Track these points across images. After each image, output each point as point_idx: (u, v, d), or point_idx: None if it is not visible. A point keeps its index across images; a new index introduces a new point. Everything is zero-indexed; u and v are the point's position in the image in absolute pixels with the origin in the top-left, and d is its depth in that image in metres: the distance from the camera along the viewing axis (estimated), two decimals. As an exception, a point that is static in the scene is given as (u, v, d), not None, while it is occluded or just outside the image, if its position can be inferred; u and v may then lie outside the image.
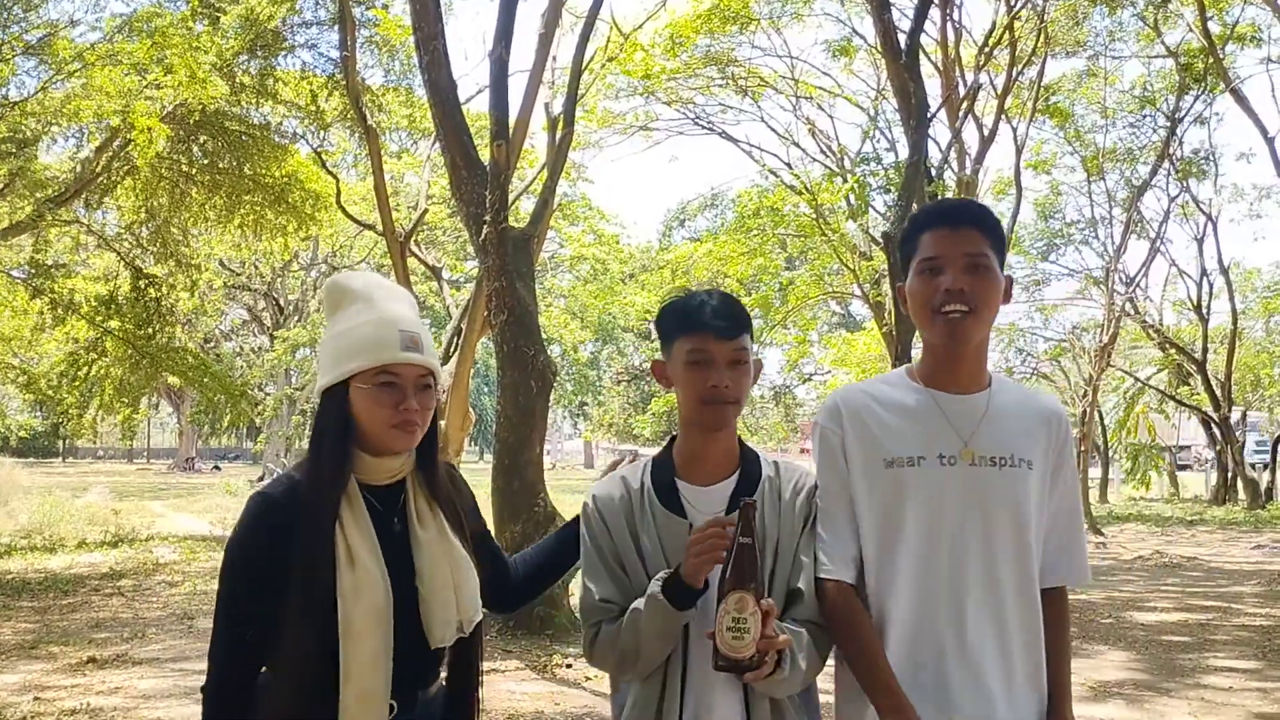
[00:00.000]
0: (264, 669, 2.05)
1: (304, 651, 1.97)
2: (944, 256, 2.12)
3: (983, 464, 2.12)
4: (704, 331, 2.15)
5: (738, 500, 2.11)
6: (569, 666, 7.45)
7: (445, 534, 2.12)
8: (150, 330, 16.51)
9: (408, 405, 2.05)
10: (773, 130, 21.65)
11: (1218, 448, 27.01)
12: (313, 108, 16.15)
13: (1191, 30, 19.43)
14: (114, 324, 16.32)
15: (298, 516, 2.01)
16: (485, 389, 46.58)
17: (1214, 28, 18.88)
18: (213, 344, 37.15)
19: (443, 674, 2.19)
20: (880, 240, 12.59)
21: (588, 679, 6.99)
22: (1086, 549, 2.31)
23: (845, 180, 17.83)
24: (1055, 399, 2.37)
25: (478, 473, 14.77)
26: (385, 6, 16.52)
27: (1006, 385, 2.26)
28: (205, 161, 16.35)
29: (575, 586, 9.31)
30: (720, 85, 20.93)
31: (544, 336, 10.08)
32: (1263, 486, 25.73)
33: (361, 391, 2.05)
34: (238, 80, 15.21)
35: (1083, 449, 21.24)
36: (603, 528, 2.19)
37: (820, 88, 21.11)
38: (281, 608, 1.96)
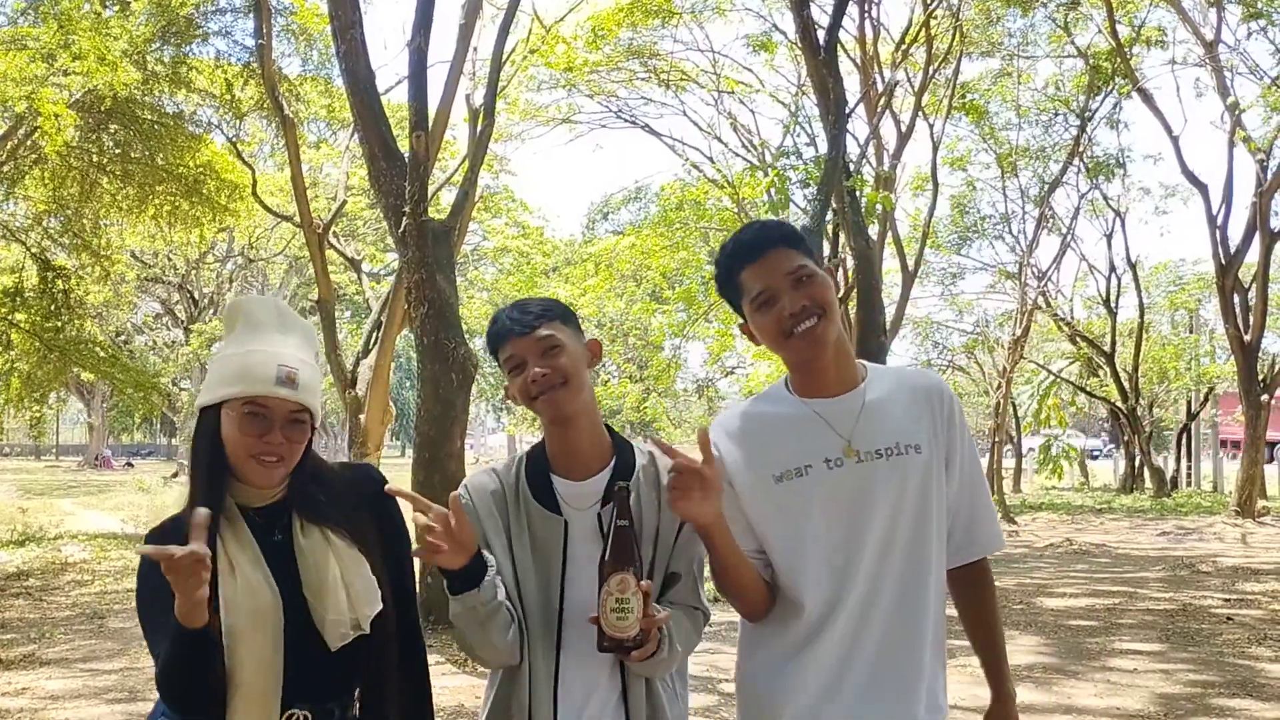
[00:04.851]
0: None
1: None
2: (770, 285, 2.14)
3: (869, 459, 2.13)
4: (506, 338, 2.19)
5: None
6: (485, 660, 7.43)
7: (329, 539, 2.09)
8: (59, 323, 16.06)
9: (271, 438, 2.04)
10: (695, 124, 21.78)
11: (1125, 438, 27.80)
12: (228, 97, 15.83)
13: (1101, 32, 19.94)
14: (20, 317, 15.85)
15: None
16: (407, 382, 46.09)
17: (1122, 30, 19.41)
18: (124, 338, 36.21)
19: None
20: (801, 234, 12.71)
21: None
22: (995, 514, 2.33)
23: (766, 174, 17.98)
24: (934, 374, 2.36)
25: (400, 467, 14.64)
26: (302, -6, 16.27)
27: (882, 375, 2.27)
28: (117, 151, 15.93)
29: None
30: (643, 79, 20.97)
31: (466, 329, 10.03)
32: (1168, 476, 26.55)
33: (230, 417, 2.05)
34: (150, 68, 14.84)
35: (996, 439, 21.70)
36: (474, 517, 2.17)
37: (742, 82, 21.27)
38: None
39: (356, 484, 2.22)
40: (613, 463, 2.22)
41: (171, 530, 2.04)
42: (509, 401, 2.30)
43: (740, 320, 2.26)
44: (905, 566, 2.14)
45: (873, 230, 14.15)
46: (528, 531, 2.17)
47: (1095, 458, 31.67)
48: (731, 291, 2.22)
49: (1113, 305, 26.40)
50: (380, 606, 2.08)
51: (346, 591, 2.05)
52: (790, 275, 2.13)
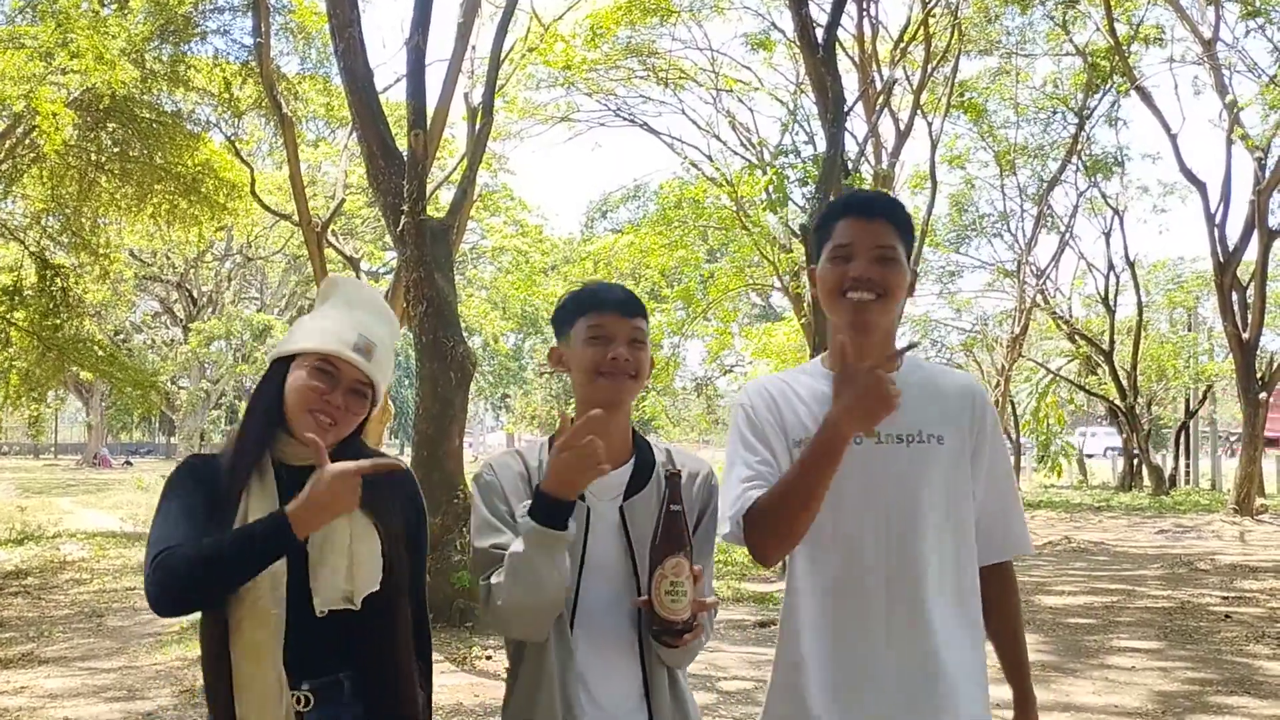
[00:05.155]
0: None
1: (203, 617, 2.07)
2: (855, 244, 2.17)
3: (889, 441, 2.14)
4: (604, 310, 2.21)
5: (634, 486, 2.18)
6: (489, 658, 7.43)
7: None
8: (57, 321, 16.04)
9: (332, 398, 2.10)
10: (694, 123, 21.76)
11: (1124, 436, 27.81)
12: (226, 95, 15.82)
13: (1099, 30, 19.95)
14: (19, 315, 15.84)
15: (215, 482, 2.10)
16: (405, 381, 46.09)
17: (1120, 28, 19.42)
18: (123, 336, 36.19)
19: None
20: (799, 233, 12.73)
21: (507, 668, 6.97)
22: (1024, 517, 2.35)
23: (765, 173, 18.00)
24: (971, 376, 2.41)
25: (397, 465, 14.57)
26: (300, -8, 16.26)
27: (919, 366, 2.29)
28: (115, 149, 15.91)
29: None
30: (641, 77, 20.98)
31: (464, 327, 10.05)
32: (1166, 474, 26.56)
33: (299, 370, 2.12)
34: (148, 66, 14.83)
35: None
36: (500, 493, 2.17)
37: (740, 81, 21.29)
38: None
39: (393, 479, 2.24)
40: (633, 459, 2.24)
41: (202, 468, 2.16)
42: (545, 366, 2.30)
43: (812, 266, 2.29)
44: (931, 559, 2.13)
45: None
46: None
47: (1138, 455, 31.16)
48: (823, 234, 2.25)
49: (1111, 303, 26.42)
50: (376, 588, 2.09)
51: (350, 559, 2.07)
52: (877, 247, 2.17)
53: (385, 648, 2.14)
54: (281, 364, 2.16)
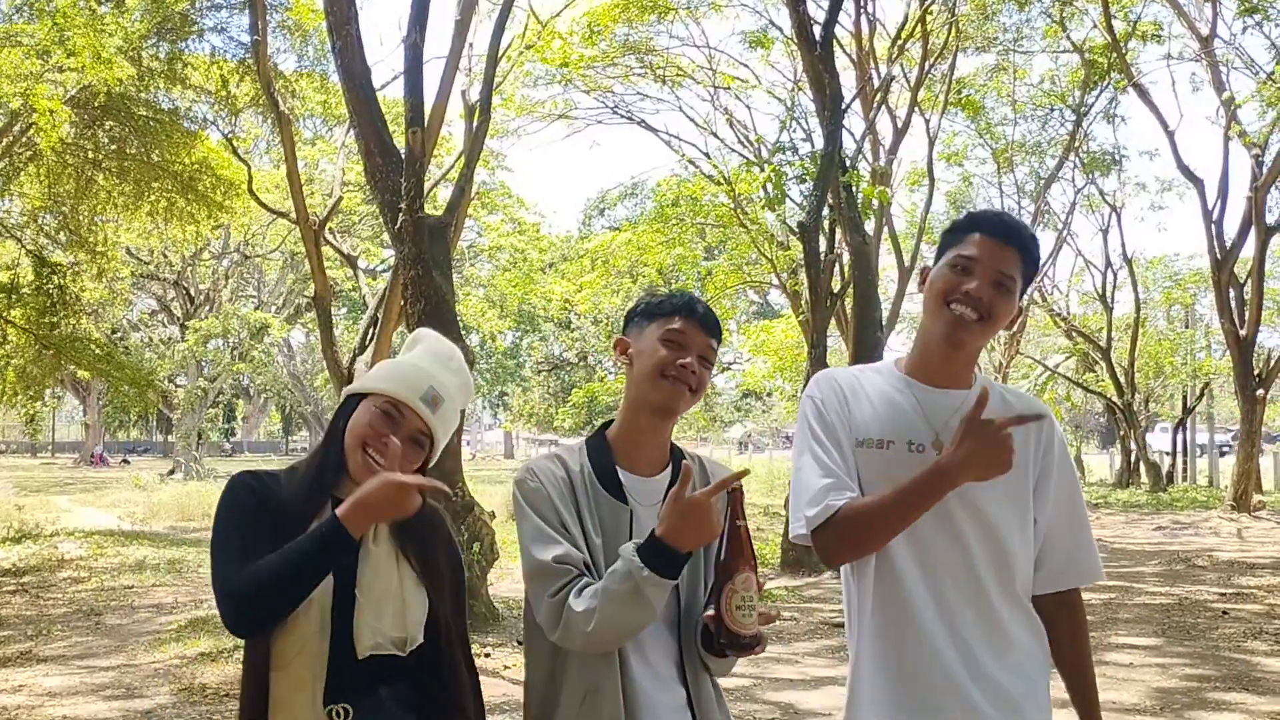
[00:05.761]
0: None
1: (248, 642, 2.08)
2: (980, 262, 2.17)
3: None
4: (691, 318, 2.23)
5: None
6: (487, 656, 7.43)
7: (399, 555, 2.15)
8: (54, 319, 16.03)
9: (389, 440, 2.11)
10: (691, 120, 21.72)
11: (1121, 433, 27.83)
12: (223, 93, 15.82)
13: (1096, 27, 19.95)
14: (16, 314, 15.83)
15: (277, 510, 2.09)
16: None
17: (1118, 25, 19.41)
18: (120, 335, 36.17)
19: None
20: (797, 230, 12.73)
21: (506, 668, 6.99)
22: (1095, 545, 2.32)
23: (762, 170, 17.99)
24: (1039, 401, 2.36)
25: (395, 463, 14.56)
26: (297, -10, 16.24)
27: (991, 387, 2.25)
28: (112, 147, 15.93)
29: (493, 575, 9.27)
30: (639, 74, 20.95)
31: (462, 325, 10.04)
32: (1164, 470, 26.57)
33: (366, 407, 2.16)
34: (145, 64, 14.82)
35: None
36: (547, 497, 2.17)
37: (738, 78, 21.25)
38: None
39: (434, 525, 2.26)
40: (670, 465, 2.26)
41: (261, 491, 2.13)
42: (614, 355, 2.31)
43: (929, 264, 2.29)
44: (987, 575, 2.14)
45: (869, 225, 14.15)
46: (596, 518, 2.19)
47: (1224, 453, 30.63)
48: (951, 239, 2.25)
49: (1109, 300, 26.45)
50: (420, 639, 2.12)
51: (400, 612, 2.10)
52: (1000, 273, 2.17)
53: (439, 676, 2.18)
54: (354, 400, 2.20)
